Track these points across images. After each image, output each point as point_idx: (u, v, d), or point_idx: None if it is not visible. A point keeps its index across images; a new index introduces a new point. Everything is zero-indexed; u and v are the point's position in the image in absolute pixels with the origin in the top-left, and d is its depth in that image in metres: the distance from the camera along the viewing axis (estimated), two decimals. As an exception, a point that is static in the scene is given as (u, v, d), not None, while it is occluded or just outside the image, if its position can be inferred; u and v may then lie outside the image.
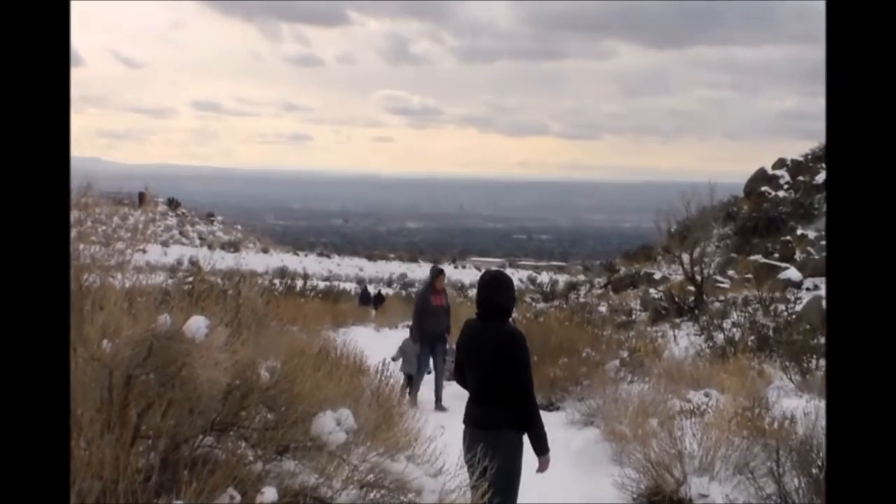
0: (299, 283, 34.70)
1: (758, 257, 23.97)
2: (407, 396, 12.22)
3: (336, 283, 46.13)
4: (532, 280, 52.90)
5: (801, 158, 32.05)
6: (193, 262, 39.33)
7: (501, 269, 6.02)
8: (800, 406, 7.44)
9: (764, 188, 31.26)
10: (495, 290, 5.24)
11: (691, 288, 21.03)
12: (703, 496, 6.34)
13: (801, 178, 30.58)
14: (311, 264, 61.24)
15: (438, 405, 11.92)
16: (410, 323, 13.20)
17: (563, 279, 44.38)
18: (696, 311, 19.44)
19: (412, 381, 12.52)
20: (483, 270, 11.37)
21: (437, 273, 12.78)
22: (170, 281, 7.31)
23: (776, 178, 31.67)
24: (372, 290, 40.24)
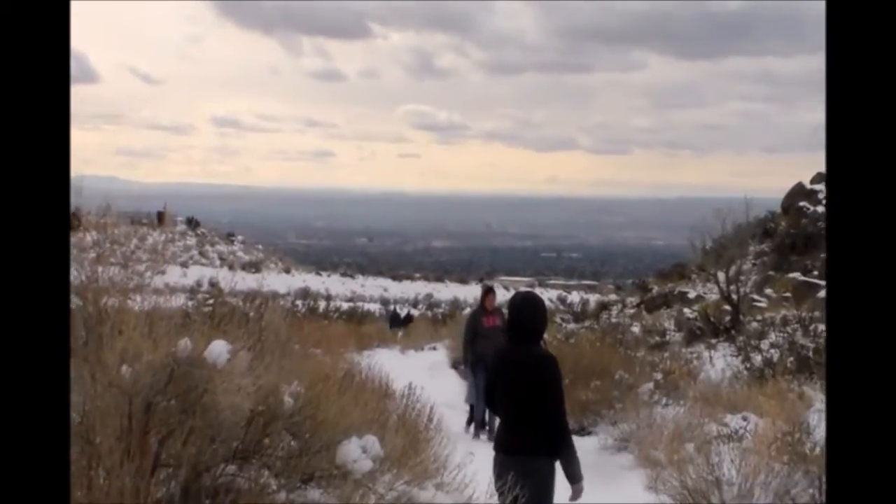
0: (322, 304, 34.84)
1: (796, 275, 23.78)
2: (471, 430, 12.10)
3: (360, 304, 46.22)
4: (562, 300, 52.70)
5: (840, 172, 31.74)
6: (214, 284, 39.56)
7: (531, 290, 5.99)
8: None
9: (802, 203, 31.01)
10: (526, 313, 5.21)
11: (727, 307, 20.87)
12: (743, 525, 6.25)
13: (840, 192, 30.28)
14: (335, 285, 61.41)
15: (490, 435, 11.63)
16: (436, 345, 13.08)
17: (594, 299, 44.22)
18: (733, 332, 19.28)
19: (473, 412, 12.13)
20: (512, 291, 11.31)
21: (486, 291, 12.29)
22: (190, 303, 7.33)
23: (815, 192, 31.40)
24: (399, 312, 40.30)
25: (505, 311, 7.91)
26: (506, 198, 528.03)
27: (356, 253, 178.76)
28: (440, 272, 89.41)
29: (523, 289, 6.97)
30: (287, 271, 65.82)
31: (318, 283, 60.12)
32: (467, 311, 40.19)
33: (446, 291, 63.35)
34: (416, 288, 67.58)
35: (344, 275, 73.17)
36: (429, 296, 60.63)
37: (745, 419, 9.60)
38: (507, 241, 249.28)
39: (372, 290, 63.64)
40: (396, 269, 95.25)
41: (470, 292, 62.29)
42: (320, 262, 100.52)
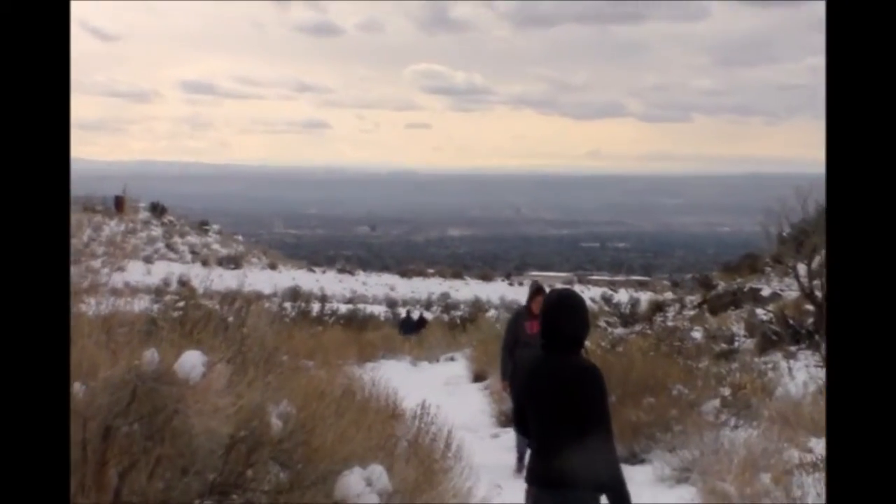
0: (316, 306, 34.88)
1: (894, 267, 23.62)
2: (515, 463, 12.01)
3: (361, 306, 46.33)
4: (607, 299, 52.62)
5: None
6: (184, 283, 39.70)
7: (570, 288, 5.99)
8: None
9: (900, 179, 30.88)
10: (564, 315, 5.20)
11: (809, 307, 20.79)
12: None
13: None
14: (331, 283, 61.52)
15: (520, 464, 11.51)
16: (454, 355, 13.06)
17: (645, 298, 44.13)
18: (817, 337, 19.22)
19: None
20: (546, 289, 11.29)
21: (535, 292, 12.08)
22: (156, 307, 7.34)
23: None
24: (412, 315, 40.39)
25: None
26: (538, 176, 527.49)
27: (356, 244, 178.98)
28: (458, 267, 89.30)
29: (560, 286, 6.96)
30: (273, 267, 65.97)
31: (311, 281, 60.21)
32: (491, 313, 40.24)
33: (466, 290, 63.37)
34: (428, 286, 67.61)
35: (342, 271, 73.23)
36: (445, 296, 60.69)
37: (832, 443, 9.57)
38: (539, 229, 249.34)
39: (376, 289, 63.73)
40: (405, 263, 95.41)
41: (495, 291, 62.35)
42: (313, 255, 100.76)
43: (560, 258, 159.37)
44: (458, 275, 77.36)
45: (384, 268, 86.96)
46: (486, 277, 76.61)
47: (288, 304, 32.41)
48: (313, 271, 69.68)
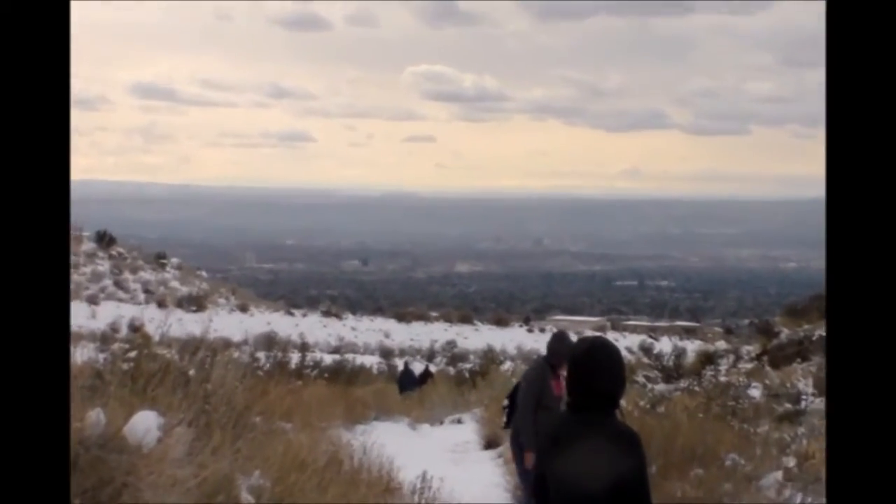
0: (295, 357, 34.83)
1: None
2: None
3: (350, 356, 46.29)
4: (646, 349, 52.53)
5: None
6: (136, 328, 39.68)
7: (602, 336, 6.00)
8: None
9: None
10: (595, 369, 5.20)
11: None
12: None
13: None
14: (313, 328, 61.57)
15: None
16: (462, 416, 13.00)
17: (693, 347, 44.07)
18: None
19: None
20: (573, 337, 11.25)
21: (558, 342, 11.87)
22: (102, 357, 7.31)
23: None
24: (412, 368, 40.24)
25: None
26: (564, 200, 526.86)
27: (344, 282, 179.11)
28: (467, 309, 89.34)
29: (590, 334, 6.96)
30: (244, 309, 65.97)
31: (290, 325, 60.27)
32: (507, 366, 40.06)
33: (476, 338, 63.34)
34: (431, 333, 67.60)
35: (327, 314, 73.23)
36: (451, 344, 60.67)
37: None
38: (565, 264, 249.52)
39: (367, 335, 63.73)
40: (403, 304, 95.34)
41: (511, 339, 62.32)
42: (292, 295, 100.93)
43: (590, 299, 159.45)
44: (466, 319, 77.24)
45: (378, 310, 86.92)
46: (501, 322, 76.56)
47: (261, 354, 32.36)
48: (292, 314, 69.70)
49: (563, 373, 11.51)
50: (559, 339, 12.04)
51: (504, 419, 12.29)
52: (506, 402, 12.34)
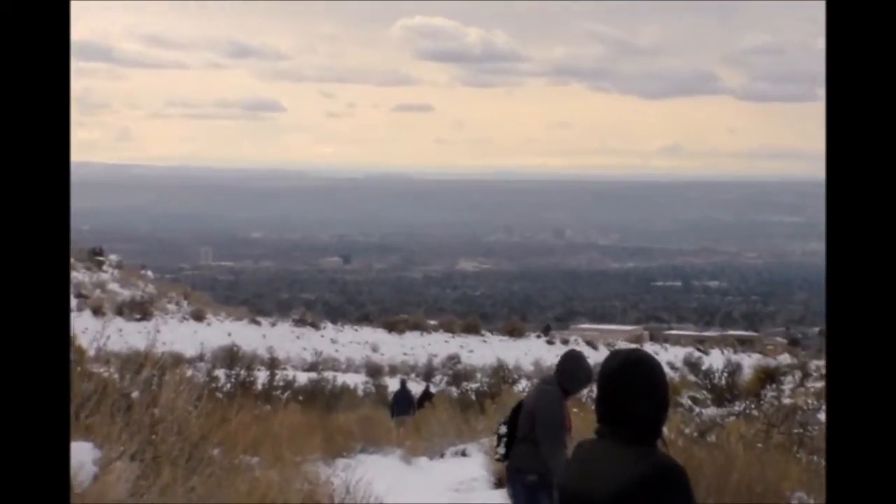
0: (262, 375, 34.92)
1: None
2: None
3: (330, 374, 46.39)
4: (693, 365, 52.48)
5: None
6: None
7: (639, 349, 5.97)
8: None
9: None
10: (630, 389, 5.19)
11: None
12: None
13: None
14: (285, 341, 61.73)
15: None
16: (467, 447, 12.97)
17: (750, 362, 44.14)
18: None
19: None
20: (603, 350, 11.24)
21: (572, 361, 11.88)
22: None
23: None
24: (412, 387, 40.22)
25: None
26: (590, 183, 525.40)
27: (322, 283, 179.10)
28: (473, 316, 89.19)
29: (623, 346, 6.97)
30: (199, 317, 66.05)
31: (256, 337, 60.44)
32: (522, 385, 39.84)
33: (484, 351, 63.47)
34: (429, 345, 67.64)
35: (301, 323, 73.27)
36: (453, 359, 60.75)
37: None
38: (593, 261, 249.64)
39: (351, 349, 63.85)
40: (394, 310, 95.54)
41: (527, 353, 62.39)
42: (258, 300, 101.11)
43: (624, 304, 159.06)
44: (472, 328, 77.23)
45: (363, 318, 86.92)
46: (515, 332, 76.40)
47: (221, 373, 32.51)
48: (258, 323, 69.75)
49: (591, 396, 11.62)
50: (575, 360, 12.05)
51: (500, 450, 12.25)
52: (502, 428, 12.29)
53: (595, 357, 38.73)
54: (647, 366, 5.30)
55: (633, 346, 13.29)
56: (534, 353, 60.51)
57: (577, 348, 13.19)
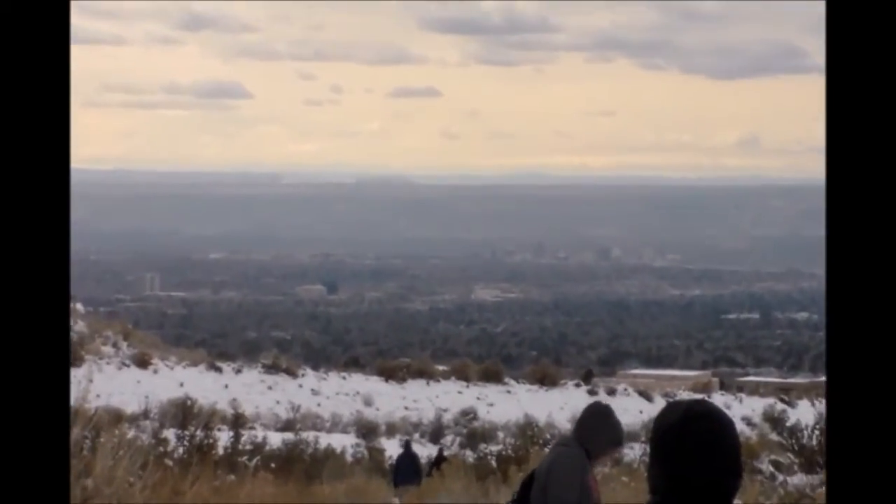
0: (225, 436, 34.99)
1: None
2: None
3: (310, 435, 46.44)
4: (776, 420, 52.51)
5: None
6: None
7: (704, 400, 5.94)
8: None
9: None
10: (693, 450, 5.13)
11: None
12: None
13: None
14: (253, 392, 61.91)
15: None
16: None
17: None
18: None
19: None
20: (659, 400, 11.23)
21: (602, 420, 12.33)
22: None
23: None
24: (419, 450, 40.28)
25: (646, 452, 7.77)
26: (642, 188, 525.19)
27: (301, 318, 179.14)
28: (493, 359, 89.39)
29: (685, 396, 7.02)
30: (142, 363, 66.16)
31: (215, 388, 60.65)
32: (546, 450, 39.75)
33: (508, 404, 63.58)
34: (438, 397, 67.80)
35: (273, 369, 73.32)
36: (468, 414, 60.86)
37: None
38: (646, 288, 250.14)
39: (337, 402, 64.06)
40: (392, 352, 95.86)
41: (563, 405, 62.56)
42: (218, 340, 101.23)
43: (686, 342, 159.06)
44: (493, 375, 77.18)
45: (353, 362, 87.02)
46: (547, 380, 76.17)
47: (171, 433, 32.54)
48: (218, 370, 69.89)
49: (606, 461, 11.70)
50: (600, 414, 12.49)
51: None
52: (512, 496, 12.42)
53: (649, 411, 39.10)
54: (714, 421, 5.25)
55: (698, 396, 13.27)
56: (571, 407, 60.10)
57: (626, 398, 13.24)
